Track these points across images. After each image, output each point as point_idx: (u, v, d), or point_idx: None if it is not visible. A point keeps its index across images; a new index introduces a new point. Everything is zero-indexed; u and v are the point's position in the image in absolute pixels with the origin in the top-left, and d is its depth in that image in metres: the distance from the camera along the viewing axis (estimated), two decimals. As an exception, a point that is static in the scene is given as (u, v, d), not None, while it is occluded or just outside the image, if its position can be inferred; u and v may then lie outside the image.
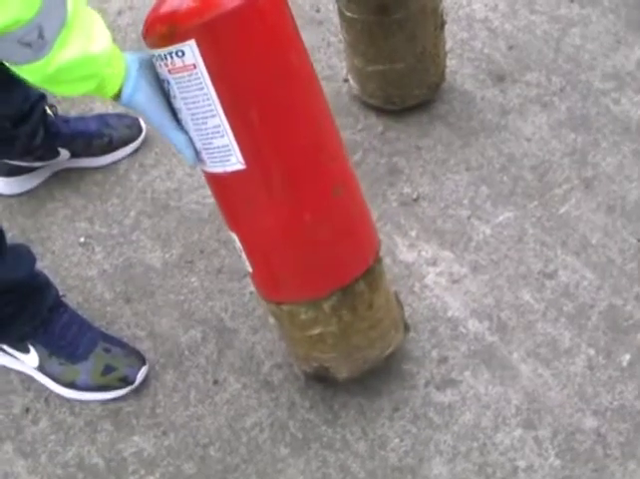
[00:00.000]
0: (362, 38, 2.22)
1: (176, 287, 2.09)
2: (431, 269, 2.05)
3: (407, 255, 2.08)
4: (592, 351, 1.88)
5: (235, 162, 1.44)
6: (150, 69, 1.45)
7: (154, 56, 1.42)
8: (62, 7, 1.29)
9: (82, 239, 2.23)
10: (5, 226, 2.24)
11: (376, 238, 1.69)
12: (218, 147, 1.44)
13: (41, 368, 1.94)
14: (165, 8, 1.37)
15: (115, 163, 2.39)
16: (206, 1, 1.35)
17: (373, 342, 1.74)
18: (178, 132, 1.47)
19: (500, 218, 2.13)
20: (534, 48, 2.52)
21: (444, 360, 1.90)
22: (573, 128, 2.30)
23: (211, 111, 1.40)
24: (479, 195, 2.18)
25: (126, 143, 2.40)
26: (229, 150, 1.43)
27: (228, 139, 1.42)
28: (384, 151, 2.30)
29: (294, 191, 1.50)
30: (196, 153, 1.49)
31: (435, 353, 1.92)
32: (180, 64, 1.37)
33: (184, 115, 1.44)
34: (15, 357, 1.96)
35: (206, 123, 1.42)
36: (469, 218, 2.13)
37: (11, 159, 2.26)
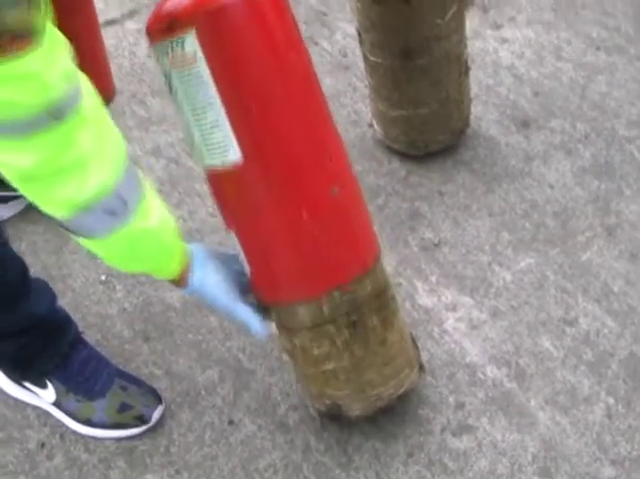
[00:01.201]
0: (386, 83, 2.23)
1: (195, 327, 2.09)
2: (450, 315, 2.04)
3: (426, 300, 2.07)
4: (611, 400, 1.87)
5: (233, 155, 1.44)
6: (214, 256, 1.58)
7: (155, 50, 1.44)
8: (138, 177, 1.40)
9: (103, 278, 2.24)
10: (28, 261, 2.24)
11: (375, 241, 1.67)
12: (217, 140, 1.44)
13: (58, 404, 1.94)
14: (167, 2, 1.40)
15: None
16: None
17: (386, 380, 1.72)
18: (245, 307, 1.58)
19: (522, 264, 2.12)
20: (560, 95, 2.52)
21: (461, 406, 1.89)
22: (597, 175, 2.29)
23: (211, 103, 1.41)
24: (500, 241, 2.17)
25: None
26: (228, 142, 1.43)
27: (227, 131, 1.42)
28: (406, 195, 2.30)
29: (292, 187, 1.49)
30: (264, 322, 1.60)
31: (452, 399, 1.90)
32: (180, 54, 1.39)
33: (185, 108, 1.45)
34: (33, 392, 1.96)
35: (206, 115, 1.42)
36: (489, 263, 2.13)
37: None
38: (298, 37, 1.49)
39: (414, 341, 1.83)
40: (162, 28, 1.39)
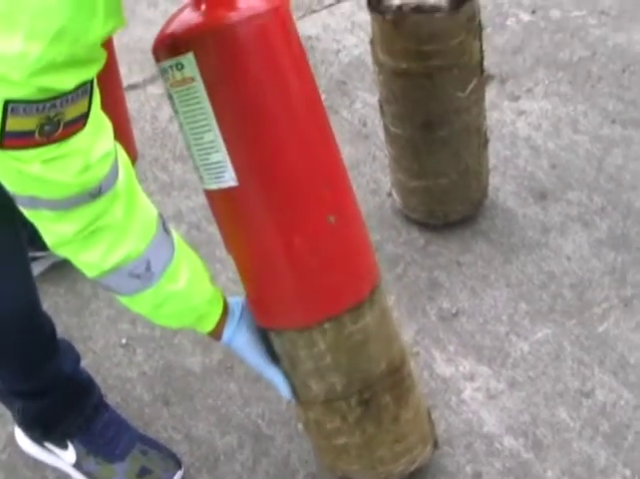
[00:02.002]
0: (406, 153, 2.27)
1: (215, 392, 2.11)
2: (468, 384, 2.05)
3: (444, 370, 2.09)
4: (628, 472, 1.87)
5: (229, 178, 1.44)
6: (249, 312, 1.61)
7: (160, 71, 1.46)
8: (169, 242, 1.46)
9: (123, 341, 2.26)
10: (49, 323, 2.28)
11: (375, 271, 1.64)
12: (214, 162, 1.45)
13: (78, 466, 1.95)
14: (172, 24, 1.42)
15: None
16: (208, 16, 1.39)
17: (398, 457, 1.72)
18: (274, 369, 1.62)
19: (539, 335, 2.14)
20: (577, 167, 2.56)
21: (478, 476, 1.89)
22: (613, 247, 2.32)
23: (208, 125, 1.41)
24: (518, 311, 2.19)
25: None
26: (223, 166, 1.44)
27: (222, 154, 1.43)
28: (425, 265, 2.33)
29: (285, 213, 1.48)
30: (291, 388, 1.62)
31: (469, 469, 1.91)
32: (180, 77, 1.40)
33: (185, 130, 1.46)
34: (53, 453, 1.97)
35: (203, 137, 1.44)
36: (507, 334, 2.15)
37: None
38: (303, 61, 1.49)
39: (429, 416, 1.83)
40: (165, 50, 1.41)
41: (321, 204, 1.51)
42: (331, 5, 3.43)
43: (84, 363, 2.13)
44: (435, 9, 2.01)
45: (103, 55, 1.18)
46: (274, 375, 1.63)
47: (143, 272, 1.41)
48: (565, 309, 2.19)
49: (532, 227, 2.40)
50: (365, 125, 2.78)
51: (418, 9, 2.02)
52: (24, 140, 1.16)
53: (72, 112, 1.18)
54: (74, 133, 1.20)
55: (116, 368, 2.20)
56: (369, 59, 3.00)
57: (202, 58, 1.37)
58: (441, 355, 2.12)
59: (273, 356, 1.63)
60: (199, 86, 1.39)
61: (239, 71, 1.39)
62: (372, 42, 2.19)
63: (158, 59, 1.45)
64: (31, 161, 1.19)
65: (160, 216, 1.46)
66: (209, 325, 1.59)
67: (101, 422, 1.96)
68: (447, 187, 2.29)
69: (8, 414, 1.99)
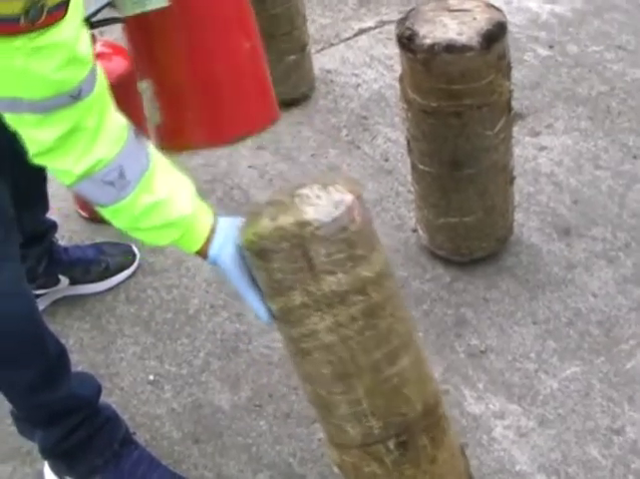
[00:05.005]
0: (433, 191, 2.28)
1: (245, 430, 2.11)
2: (498, 422, 2.05)
3: (474, 408, 2.09)
4: (661, 511, 1.88)
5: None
6: (237, 230, 1.55)
7: None
8: (142, 152, 1.50)
9: (151, 377, 2.26)
10: (75, 359, 2.28)
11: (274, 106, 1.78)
12: None
13: (106, 504, 1.95)
14: None
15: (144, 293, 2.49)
16: None
17: None
18: (255, 293, 1.55)
19: (567, 372, 2.14)
20: (599, 203, 2.56)
21: (511, 515, 1.90)
22: (639, 283, 2.32)
23: None
24: (545, 349, 2.19)
25: (121, 269, 2.53)
26: None
27: None
28: (451, 301, 2.33)
29: (211, 34, 1.59)
30: (270, 313, 1.55)
31: (502, 507, 1.91)
32: None
33: None
34: (80, 490, 1.97)
35: None
36: (536, 371, 2.15)
37: None
38: None
39: (463, 454, 1.83)
40: None
41: (240, 29, 1.64)
42: (348, 39, 3.44)
43: (111, 400, 2.14)
44: (466, 48, 2.03)
45: None
46: (254, 299, 1.56)
47: (116, 179, 1.45)
48: (593, 347, 2.19)
49: (557, 263, 2.40)
50: (387, 160, 2.78)
51: (449, 48, 2.03)
52: (8, 26, 1.24)
53: None
54: (56, 20, 1.28)
55: (144, 406, 2.20)
56: (389, 93, 3.05)
57: None
58: (470, 393, 2.12)
59: (254, 281, 1.57)
60: None
61: None
62: (401, 79, 2.20)
63: None
64: (15, 53, 1.27)
65: (131, 126, 1.50)
66: (196, 243, 1.56)
67: (130, 460, 1.95)
68: (473, 224, 2.30)
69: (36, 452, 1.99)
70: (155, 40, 1.62)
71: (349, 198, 1.47)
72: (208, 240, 1.56)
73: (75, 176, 1.44)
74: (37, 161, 1.44)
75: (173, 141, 1.68)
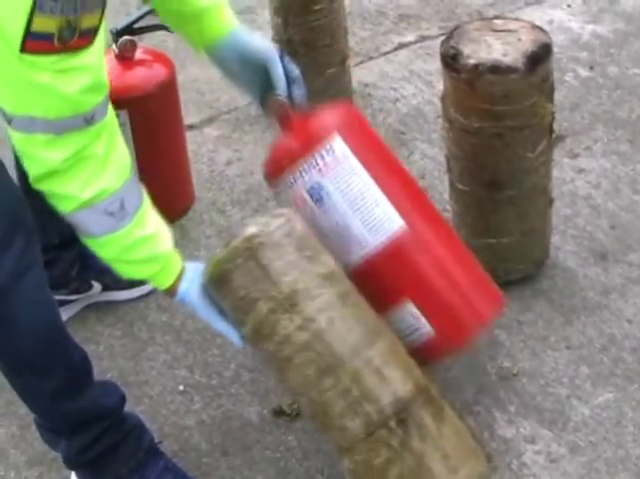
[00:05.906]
0: (471, 211, 2.27)
1: (274, 444, 2.10)
2: (529, 447, 2.03)
3: (505, 431, 2.07)
4: None
5: (397, 223, 1.82)
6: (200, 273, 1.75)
7: (293, 178, 1.83)
8: (138, 187, 1.64)
9: (181, 388, 2.25)
10: (105, 365, 2.29)
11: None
12: (379, 216, 1.80)
13: (132, 515, 1.94)
14: (296, 127, 1.86)
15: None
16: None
17: (455, 470, 1.73)
18: (224, 322, 1.76)
19: (600, 399, 2.12)
20: (637, 229, 2.55)
21: (540, 542, 1.88)
22: (674, 312, 2.31)
23: (366, 186, 1.81)
24: (579, 374, 2.18)
25: None
26: (390, 213, 1.81)
27: (386, 205, 1.81)
28: (485, 323, 2.32)
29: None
30: (241, 338, 1.75)
31: (531, 534, 1.90)
32: (332, 159, 1.80)
33: (340, 207, 1.80)
34: (106, 500, 1.96)
35: (364, 198, 1.80)
36: (568, 397, 2.13)
37: None
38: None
39: (473, 434, 1.85)
40: (303, 148, 1.81)
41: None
42: (388, 53, 3.43)
43: (139, 409, 2.14)
44: (510, 69, 2.02)
45: None
46: (224, 328, 1.76)
47: (117, 210, 1.55)
48: (626, 374, 2.17)
49: (593, 288, 2.39)
50: (423, 177, 2.77)
51: (493, 69, 2.02)
52: (43, 44, 1.30)
53: (87, 21, 1.34)
54: (85, 46, 1.37)
55: (173, 416, 2.19)
56: (427, 109, 3.04)
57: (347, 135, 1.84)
58: (502, 416, 2.10)
59: (222, 313, 1.76)
60: (352, 159, 1.81)
61: (369, 136, 1.98)
62: (443, 98, 2.19)
63: (292, 165, 1.82)
64: (44, 69, 1.34)
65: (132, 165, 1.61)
66: (170, 279, 1.72)
67: (155, 470, 1.95)
68: (510, 245, 2.29)
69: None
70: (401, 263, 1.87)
71: (287, 211, 1.76)
72: (179, 278, 1.73)
73: (80, 202, 1.50)
74: (40, 184, 1.50)
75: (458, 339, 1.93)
